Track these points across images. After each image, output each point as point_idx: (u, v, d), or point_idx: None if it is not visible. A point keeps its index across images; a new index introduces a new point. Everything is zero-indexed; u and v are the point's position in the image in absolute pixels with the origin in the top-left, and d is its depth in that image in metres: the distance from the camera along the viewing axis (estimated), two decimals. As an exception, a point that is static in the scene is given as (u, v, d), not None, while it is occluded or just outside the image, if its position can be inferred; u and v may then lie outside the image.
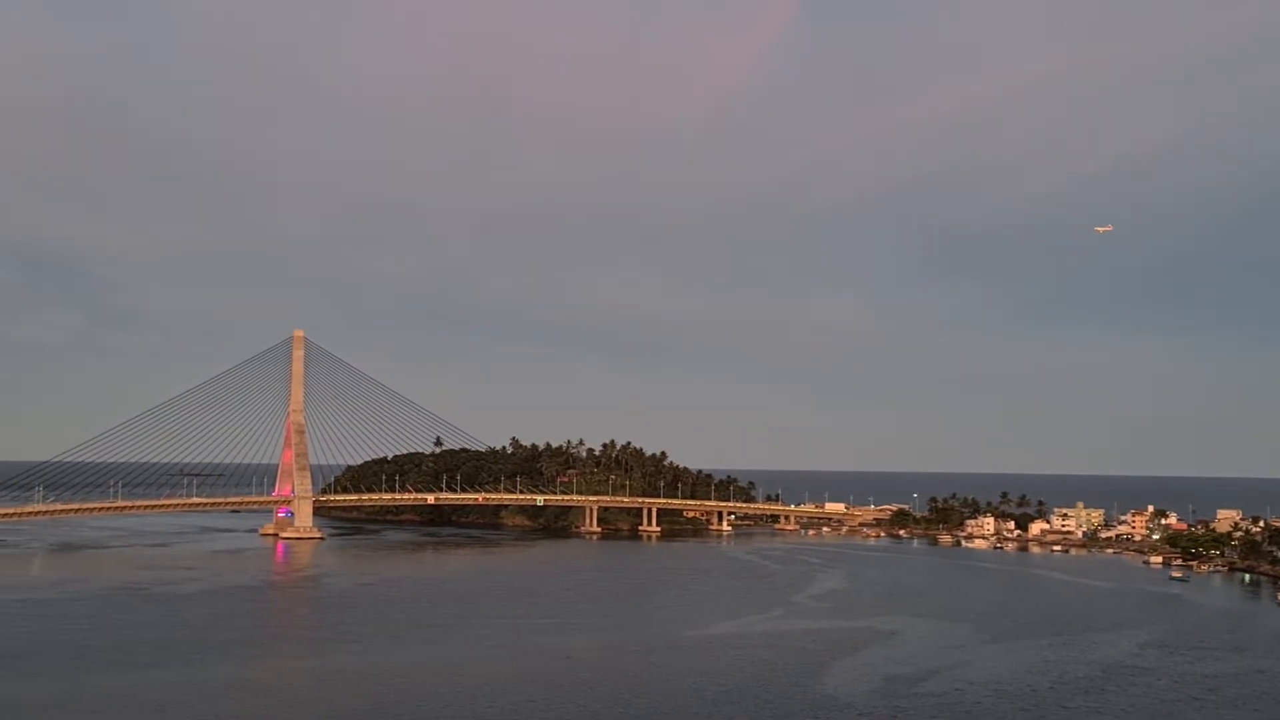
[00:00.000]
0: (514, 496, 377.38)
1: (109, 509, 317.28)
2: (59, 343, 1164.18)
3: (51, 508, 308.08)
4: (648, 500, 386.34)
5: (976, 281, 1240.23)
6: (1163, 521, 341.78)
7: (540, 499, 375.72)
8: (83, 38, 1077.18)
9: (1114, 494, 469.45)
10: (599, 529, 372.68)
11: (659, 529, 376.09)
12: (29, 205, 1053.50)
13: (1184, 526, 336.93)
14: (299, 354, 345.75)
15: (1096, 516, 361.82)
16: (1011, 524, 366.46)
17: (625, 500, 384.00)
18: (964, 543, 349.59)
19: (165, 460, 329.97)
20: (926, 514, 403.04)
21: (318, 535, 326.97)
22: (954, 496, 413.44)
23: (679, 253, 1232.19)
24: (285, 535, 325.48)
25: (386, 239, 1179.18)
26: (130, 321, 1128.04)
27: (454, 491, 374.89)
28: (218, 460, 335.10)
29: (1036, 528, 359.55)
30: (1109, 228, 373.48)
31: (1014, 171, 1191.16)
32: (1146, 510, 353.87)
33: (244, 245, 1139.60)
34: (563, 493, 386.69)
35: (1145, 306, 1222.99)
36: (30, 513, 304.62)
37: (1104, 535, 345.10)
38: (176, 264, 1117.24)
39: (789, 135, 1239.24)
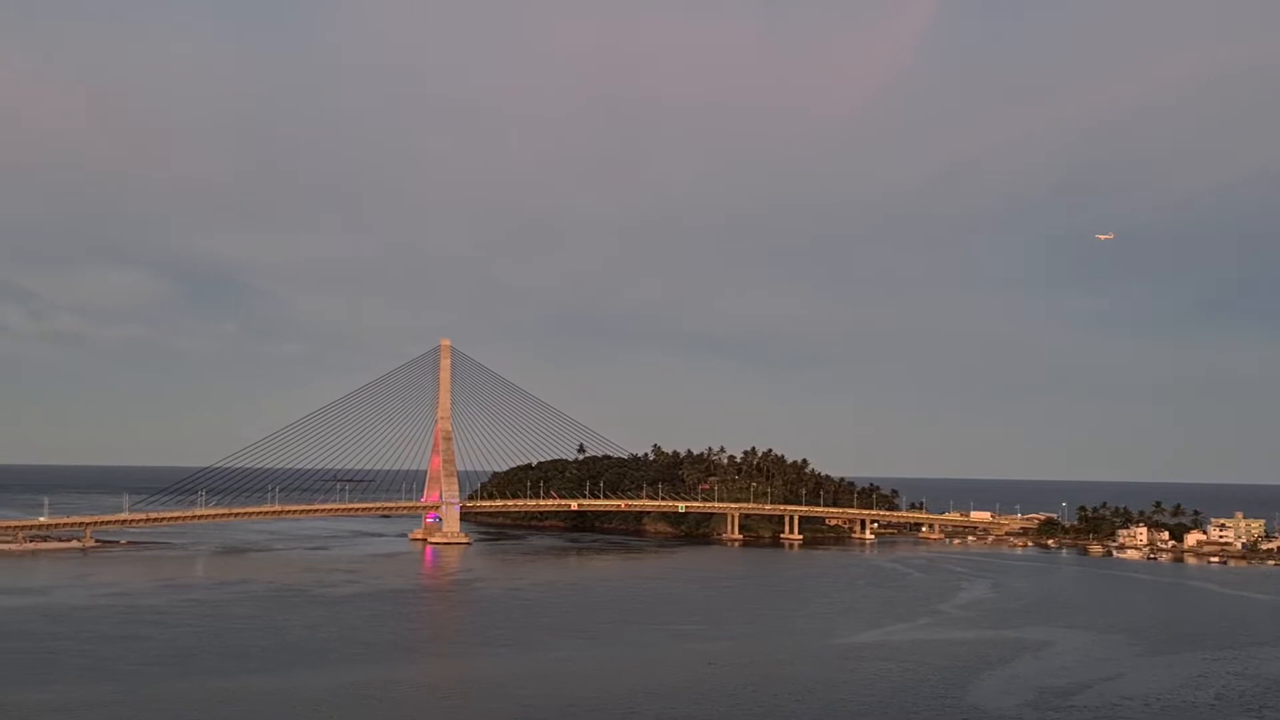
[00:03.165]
0: (656, 503, 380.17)
1: (267, 513, 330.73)
2: (214, 352, 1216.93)
3: (215, 511, 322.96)
4: (789, 508, 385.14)
5: (1128, 285, 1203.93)
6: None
7: (682, 505, 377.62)
8: (238, 60, 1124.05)
9: (1275, 504, 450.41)
10: (740, 536, 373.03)
11: (800, 537, 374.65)
12: (185, 220, 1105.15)
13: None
14: (445, 362, 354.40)
15: (1257, 527, 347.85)
16: (1165, 534, 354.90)
17: (767, 507, 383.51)
18: (1115, 553, 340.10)
19: (319, 466, 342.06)
20: (1076, 523, 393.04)
21: (465, 540, 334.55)
22: (1104, 505, 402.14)
23: (818, 259, 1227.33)
24: (434, 540, 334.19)
25: (528, 248, 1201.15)
26: (281, 331, 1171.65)
27: (597, 498, 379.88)
28: (368, 466, 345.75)
29: (1192, 538, 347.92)
30: (1110, 235, 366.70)
31: (1166, 173, 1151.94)
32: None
33: (390, 256, 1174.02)
34: (704, 500, 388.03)
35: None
36: (195, 516, 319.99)
37: (1265, 547, 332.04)
38: (325, 275, 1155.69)
39: (931, 138, 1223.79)
